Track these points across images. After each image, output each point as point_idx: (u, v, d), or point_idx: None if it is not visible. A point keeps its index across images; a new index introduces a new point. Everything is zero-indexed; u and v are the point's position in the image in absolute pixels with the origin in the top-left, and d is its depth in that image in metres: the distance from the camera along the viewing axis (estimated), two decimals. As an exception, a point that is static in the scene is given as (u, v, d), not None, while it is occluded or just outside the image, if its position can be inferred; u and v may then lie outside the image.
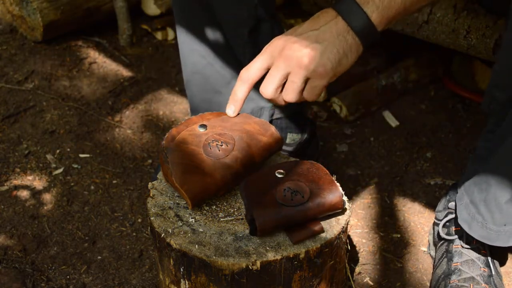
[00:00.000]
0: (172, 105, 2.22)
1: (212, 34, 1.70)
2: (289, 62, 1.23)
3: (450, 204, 1.63)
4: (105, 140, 2.06)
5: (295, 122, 1.82)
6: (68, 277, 1.63)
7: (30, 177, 1.90)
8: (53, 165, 1.95)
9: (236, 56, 1.70)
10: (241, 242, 1.22)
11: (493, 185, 1.41)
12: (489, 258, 1.55)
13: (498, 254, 1.58)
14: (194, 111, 1.86)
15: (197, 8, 1.67)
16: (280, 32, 1.82)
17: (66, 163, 1.96)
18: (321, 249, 1.23)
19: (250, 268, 1.19)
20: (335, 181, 1.30)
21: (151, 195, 1.33)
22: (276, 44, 1.27)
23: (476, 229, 1.48)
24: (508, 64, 1.38)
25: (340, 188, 1.30)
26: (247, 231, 1.25)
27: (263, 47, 1.72)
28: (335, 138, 2.09)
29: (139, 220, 1.79)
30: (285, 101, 1.28)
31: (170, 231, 1.24)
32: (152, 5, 2.58)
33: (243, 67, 1.73)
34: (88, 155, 1.99)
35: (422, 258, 1.70)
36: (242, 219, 1.28)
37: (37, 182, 1.89)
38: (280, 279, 1.22)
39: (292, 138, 1.82)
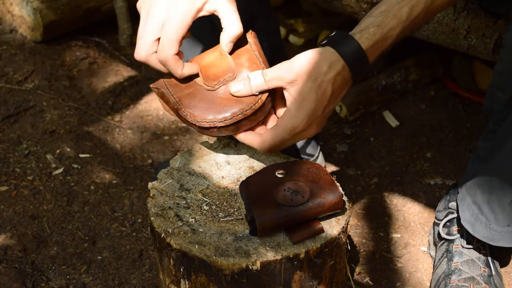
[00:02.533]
0: (172, 105, 2.22)
1: (207, 31, 1.69)
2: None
3: (450, 204, 1.62)
4: (105, 140, 2.06)
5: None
6: (68, 277, 1.63)
7: (30, 177, 1.90)
8: (53, 165, 1.95)
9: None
10: (241, 242, 1.22)
11: (496, 186, 1.41)
12: (489, 258, 1.55)
13: (498, 254, 1.58)
14: None
15: None
16: (275, 29, 1.82)
17: (66, 163, 1.96)
18: (321, 249, 1.23)
19: (250, 268, 1.19)
20: (335, 181, 1.30)
21: (151, 195, 1.33)
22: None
23: (480, 230, 1.48)
24: (510, 65, 1.38)
25: (340, 188, 1.30)
26: (247, 231, 1.25)
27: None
28: (335, 138, 2.09)
29: (139, 220, 1.79)
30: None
31: (170, 231, 1.24)
32: (152, 5, 2.58)
33: None
34: (88, 155, 1.99)
35: (422, 258, 1.70)
36: (242, 219, 1.28)
37: (37, 182, 1.89)
38: (280, 279, 1.22)
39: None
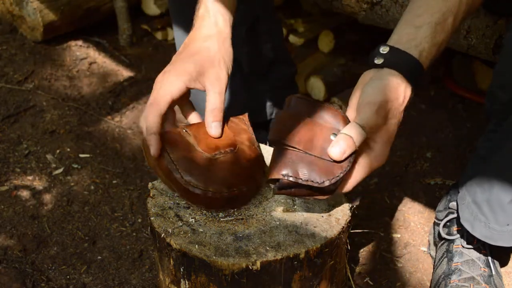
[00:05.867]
0: (172, 105, 2.22)
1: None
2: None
3: (451, 204, 1.62)
4: (105, 140, 2.06)
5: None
6: (68, 277, 1.63)
7: (30, 177, 1.90)
8: (53, 165, 1.95)
9: (234, 54, 1.69)
10: (241, 242, 1.22)
11: (496, 185, 1.41)
12: (490, 258, 1.55)
13: (498, 254, 1.58)
14: None
15: (194, 7, 1.67)
16: (278, 30, 1.81)
17: (66, 163, 1.96)
18: (321, 249, 1.23)
19: (250, 268, 1.19)
20: None
21: (151, 195, 1.33)
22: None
23: (479, 229, 1.47)
24: (510, 65, 1.38)
25: None
26: (247, 231, 1.25)
27: (261, 45, 1.69)
28: (335, 138, 2.09)
29: (139, 220, 1.79)
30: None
31: (170, 231, 1.24)
32: (152, 5, 2.58)
33: (241, 65, 1.73)
34: (88, 155, 1.99)
35: (422, 258, 1.70)
36: (242, 219, 1.28)
37: (37, 182, 1.89)
38: (280, 279, 1.22)
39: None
